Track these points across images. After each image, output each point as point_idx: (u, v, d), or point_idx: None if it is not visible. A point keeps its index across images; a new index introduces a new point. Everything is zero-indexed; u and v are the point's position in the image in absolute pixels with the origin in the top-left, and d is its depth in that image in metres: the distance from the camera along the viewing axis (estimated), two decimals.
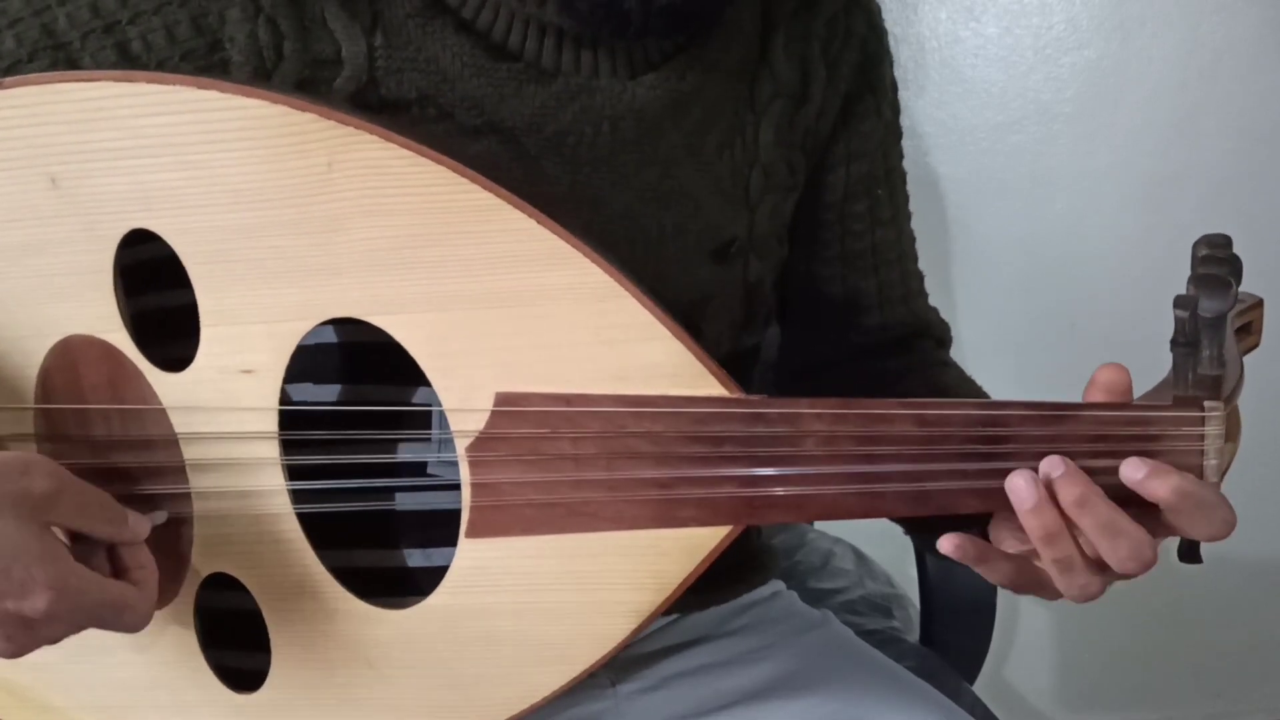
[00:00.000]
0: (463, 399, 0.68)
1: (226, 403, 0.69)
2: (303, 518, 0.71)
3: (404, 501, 0.75)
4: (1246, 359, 0.70)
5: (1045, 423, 0.63)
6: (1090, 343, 1.72)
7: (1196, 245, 0.65)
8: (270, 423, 0.69)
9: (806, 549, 1.28)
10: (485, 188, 0.65)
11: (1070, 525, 0.63)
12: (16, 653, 0.61)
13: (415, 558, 0.76)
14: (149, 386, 0.70)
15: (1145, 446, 0.63)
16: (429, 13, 0.73)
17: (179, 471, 0.71)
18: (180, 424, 0.71)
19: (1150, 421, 0.63)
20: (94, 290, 0.69)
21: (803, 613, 0.96)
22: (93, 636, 0.65)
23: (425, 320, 0.67)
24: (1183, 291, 0.63)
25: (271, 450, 0.70)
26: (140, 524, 0.67)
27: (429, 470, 0.74)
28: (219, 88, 0.65)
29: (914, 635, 1.20)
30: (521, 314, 0.67)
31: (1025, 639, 1.87)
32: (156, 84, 0.65)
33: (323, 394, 0.75)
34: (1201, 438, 0.62)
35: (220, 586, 0.73)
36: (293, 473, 0.70)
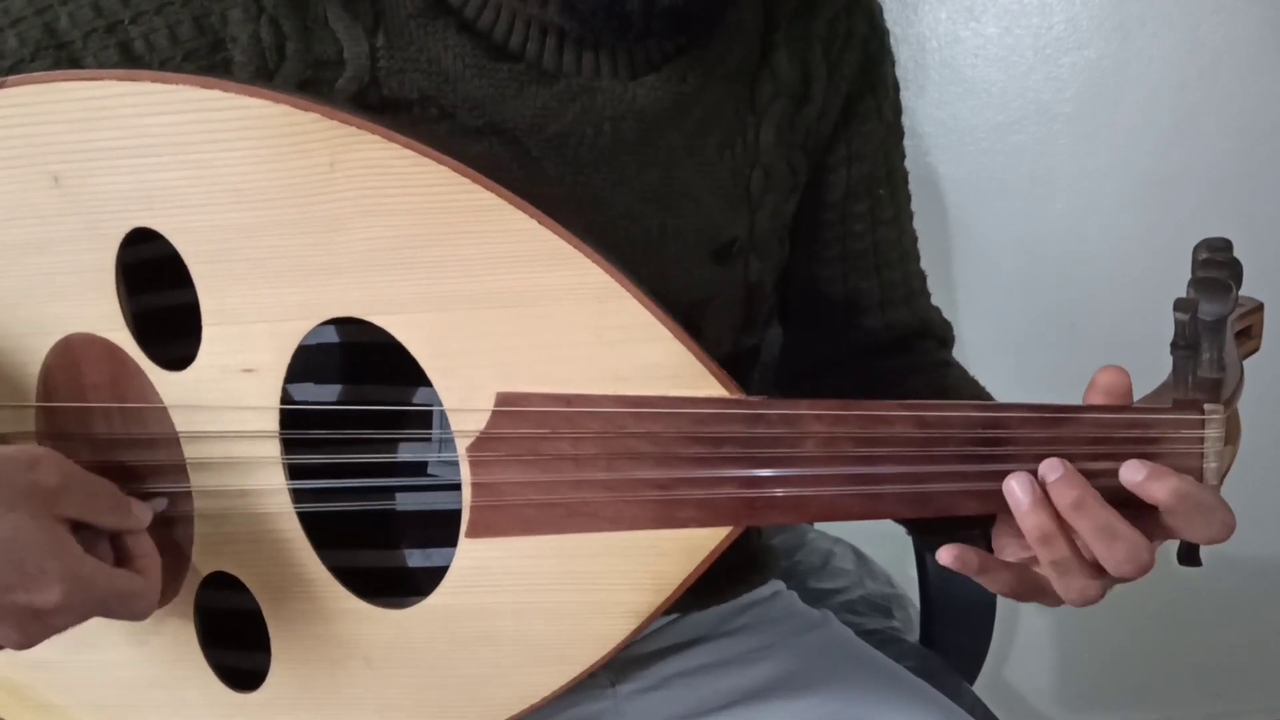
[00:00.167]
0: (463, 399, 0.68)
1: (228, 401, 0.69)
2: (303, 517, 0.71)
3: (404, 501, 0.75)
4: (1247, 362, 0.70)
5: (1045, 425, 0.63)
6: (1090, 343, 1.72)
7: (1197, 249, 0.65)
8: (271, 422, 0.69)
9: (806, 549, 1.28)
10: (486, 188, 0.65)
11: (1067, 528, 0.63)
12: (28, 644, 0.62)
13: (415, 557, 0.76)
14: (150, 385, 0.70)
15: (1145, 449, 0.63)
16: (431, 13, 0.74)
17: (180, 470, 0.71)
18: (181, 422, 0.71)
19: (1150, 424, 0.63)
20: (96, 289, 0.69)
21: (803, 613, 0.96)
22: (92, 635, 0.66)
23: (426, 320, 0.67)
24: (1182, 292, 0.63)
25: (272, 449, 0.70)
26: (143, 512, 0.68)
27: (429, 470, 0.74)
28: (222, 87, 0.65)
29: (914, 635, 1.20)
30: (522, 314, 0.67)
31: (1025, 639, 1.87)
32: (159, 83, 0.65)
33: (323, 394, 0.75)
34: (1201, 440, 0.62)
35: (220, 586, 0.73)
36: (293, 472, 0.71)
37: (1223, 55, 1.64)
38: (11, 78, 0.67)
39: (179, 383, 0.70)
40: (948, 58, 1.65)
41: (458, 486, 0.69)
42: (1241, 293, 0.66)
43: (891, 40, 0.92)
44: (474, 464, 0.68)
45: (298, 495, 0.71)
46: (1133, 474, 0.61)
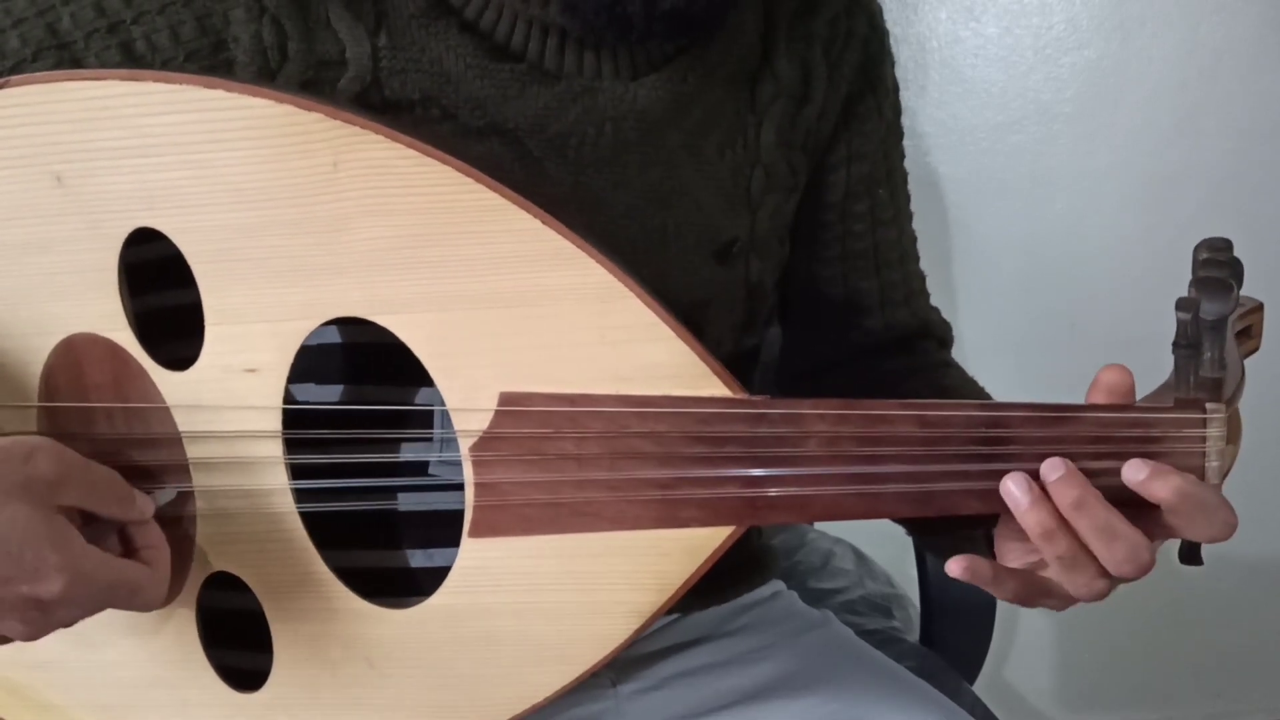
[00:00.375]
0: (466, 399, 0.68)
1: (230, 401, 0.70)
2: (305, 517, 0.71)
3: (406, 501, 0.75)
4: (1247, 362, 0.70)
5: (1047, 424, 0.63)
6: (1090, 343, 1.72)
7: (1197, 249, 0.65)
8: (274, 422, 0.69)
9: (807, 549, 1.28)
10: (489, 188, 0.65)
11: (1069, 524, 0.63)
12: (33, 636, 0.61)
13: (417, 558, 0.76)
14: (153, 385, 0.70)
15: (1147, 448, 0.63)
16: (433, 14, 0.74)
17: (182, 470, 0.71)
18: (184, 422, 0.71)
19: (1152, 423, 0.63)
20: (98, 289, 0.69)
21: (803, 613, 0.96)
22: (94, 634, 0.66)
23: (428, 320, 0.67)
24: (1182, 292, 0.63)
25: (275, 449, 0.70)
26: (145, 503, 0.67)
27: (430, 470, 0.74)
28: (225, 87, 0.65)
29: (914, 635, 1.20)
30: (525, 314, 0.67)
31: (1025, 639, 1.87)
32: (162, 83, 0.65)
33: (325, 394, 0.75)
34: (1203, 439, 0.62)
35: (223, 586, 0.73)
36: (296, 472, 0.71)
37: (1223, 55, 1.64)
38: (14, 77, 0.67)
39: (181, 382, 0.70)
40: (948, 58, 1.65)
41: (460, 486, 0.69)
42: (1241, 293, 0.66)
43: (891, 40, 0.92)
44: (476, 464, 0.68)
45: (300, 495, 0.71)
46: (1135, 473, 0.61)
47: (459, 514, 0.70)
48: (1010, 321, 1.72)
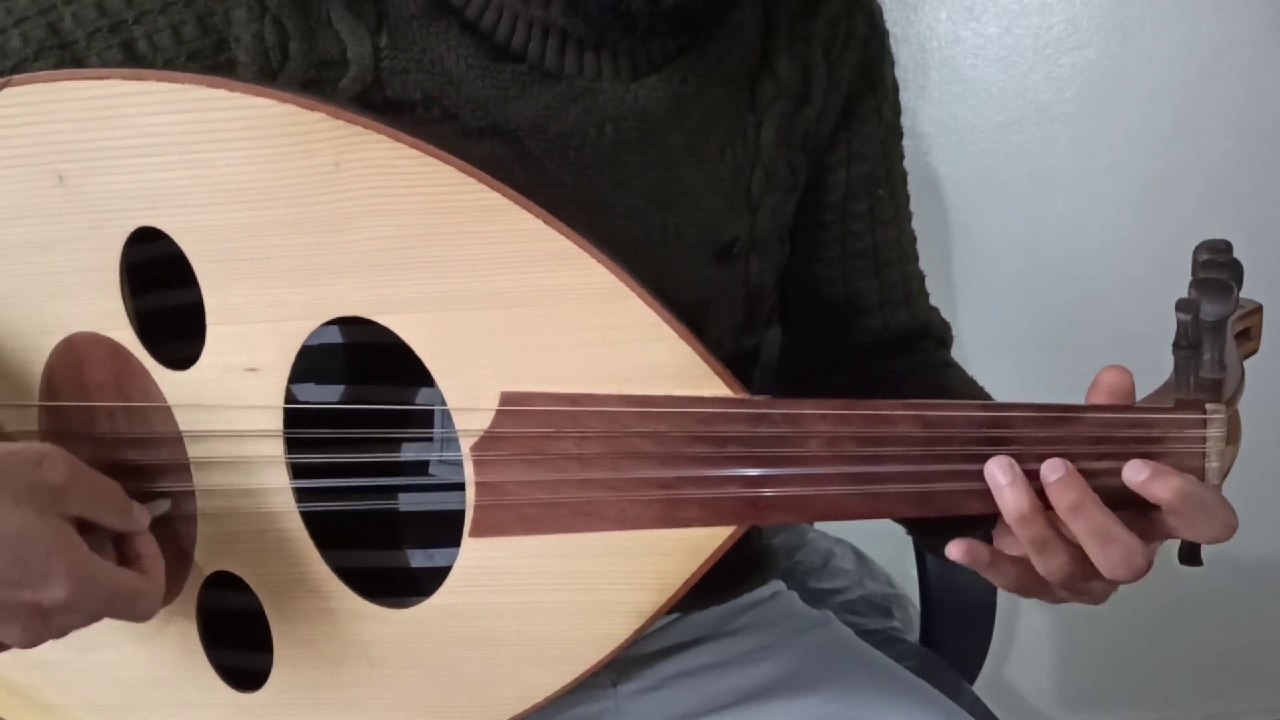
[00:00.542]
0: (467, 398, 0.68)
1: (231, 401, 0.70)
2: (306, 516, 0.71)
3: (407, 501, 0.75)
4: (1246, 363, 0.70)
5: (1048, 424, 0.63)
6: (1090, 343, 1.72)
7: (1197, 250, 0.65)
8: (275, 421, 0.70)
9: (807, 549, 1.29)
10: (491, 188, 0.65)
11: (1062, 526, 0.63)
12: (32, 643, 0.61)
13: (418, 557, 0.76)
14: (154, 384, 0.70)
15: (1147, 449, 0.63)
16: (434, 14, 0.74)
17: (183, 469, 0.71)
18: (185, 422, 0.71)
19: (1152, 424, 0.63)
20: (100, 288, 0.69)
21: (803, 613, 0.96)
22: (93, 634, 0.66)
23: (430, 320, 0.67)
24: (1182, 292, 0.63)
25: (276, 449, 0.70)
26: (142, 514, 0.68)
27: (431, 470, 0.74)
28: (227, 86, 0.65)
29: (914, 635, 1.20)
30: (526, 314, 0.67)
31: (1025, 639, 1.87)
32: (164, 82, 0.65)
33: (326, 393, 0.75)
34: (1203, 440, 0.62)
35: (223, 585, 0.73)
36: (297, 471, 0.71)
37: (1223, 55, 1.64)
38: (15, 77, 0.67)
39: (183, 382, 0.70)
40: (948, 58, 1.65)
41: (461, 486, 0.69)
42: (1241, 294, 0.66)
43: (891, 40, 0.92)
44: (478, 463, 0.68)
45: (301, 495, 0.71)
46: (1136, 474, 0.61)
47: (460, 514, 0.70)
48: (1010, 321, 1.72)
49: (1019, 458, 0.63)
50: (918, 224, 0.97)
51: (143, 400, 0.71)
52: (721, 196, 0.84)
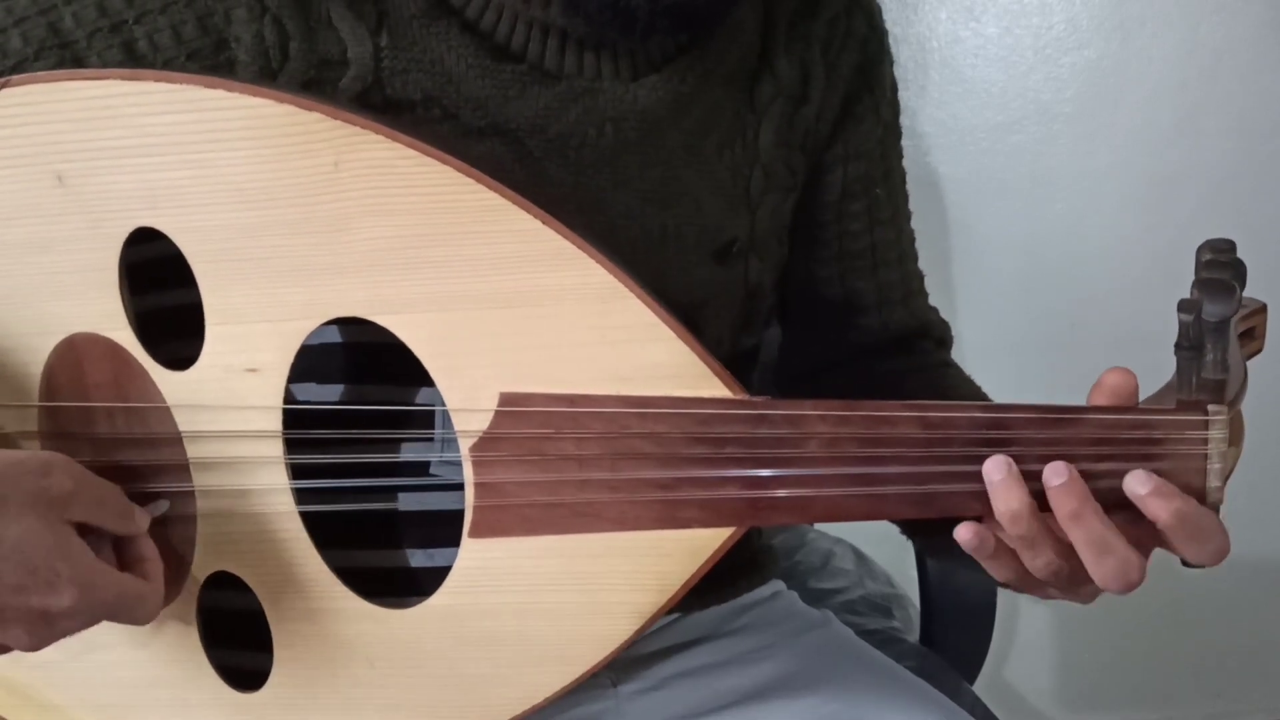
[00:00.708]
0: (466, 399, 0.68)
1: (231, 401, 0.70)
2: (306, 517, 0.71)
3: (407, 501, 0.75)
4: (1250, 363, 0.70)
5: (1049, 425, 0.63)
6: (1090, 343, 1.72)
7: (1200, 250, 0.65)
8: (274, 421, 0.69)
9: (806, 549, 1.29)
10: (491, 188, 0.65)
11: (1057, 529, 0.63)
12: (35, 646, 0.62)
13: (417, 558, 0.76)
14: (153, 384, 0.70)
15: (1149, 450, 0.62)
16: (434, 14, 0.74)
17: (182, 470, 0.71)
18: (184, 422, 0.71)
19: (1154, 425, 0.63)
20: (99, 288, 0.69)
21: (803, 613, 0.96)
22: (94, 634, 0.66)
23: (429, 320, 0.67)
24: (1183, 292, 0.63)
25: (275, 449, 0.70)
26: (142, 517, 0.68)
27: (431, 470, 0.74)
28: (226, 86, 0.65)
29: (914, 635, 1.20)
30: (525, 314, 0.67)
31: (1025, 639, 1.87)
32: (163, 83, 0.65)
33: (326, 394, 0.75)
34: (1205, 441, 0.62)
35: (223, 586, 0.73)
36: (296, 472, 0.71)
37: (1223, 55, 1.64)
38: (15, 77, 0.67)
39: (182, 382, 0.70)
40: (948, 58, 1.65)
41: (460, 486, 0.69)
42: (1244, 294, 0.66)
43: (891, 40, 0.92)
44: (477, 464, 0.68)
45: (300, 495, 0.71)
46: (1137, 486, 0.61)
47: (459, 514, 0.70)
48: (1010, 321, 1.72)
49: (1019, 459, 0.63)
50: (917, 224, 0.96)
51: (142, 400, 0.71)
52: (721, 196, 0.84)
